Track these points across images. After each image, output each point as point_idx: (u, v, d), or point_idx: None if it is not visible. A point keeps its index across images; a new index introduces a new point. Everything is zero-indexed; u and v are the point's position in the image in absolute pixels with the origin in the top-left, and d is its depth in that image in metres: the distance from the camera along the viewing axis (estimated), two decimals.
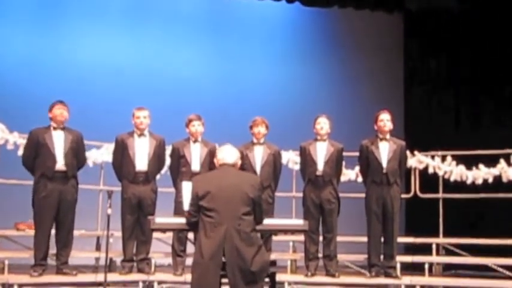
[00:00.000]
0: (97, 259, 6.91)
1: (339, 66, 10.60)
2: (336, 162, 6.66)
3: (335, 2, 10.41)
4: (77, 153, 6.29)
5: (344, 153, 6.81)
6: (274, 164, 6.69)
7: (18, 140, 7.07)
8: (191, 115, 6.62)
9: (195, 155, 6.53)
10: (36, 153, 6.15)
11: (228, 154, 4.68)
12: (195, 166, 6.49)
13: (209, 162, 6.47)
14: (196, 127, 6.56)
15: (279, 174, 6.80)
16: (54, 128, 6.20)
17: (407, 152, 7.29)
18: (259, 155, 6.59)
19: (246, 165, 6.40)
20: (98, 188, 7.56)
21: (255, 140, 6.68)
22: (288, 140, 7.68)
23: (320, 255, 6.72)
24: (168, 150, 6.80)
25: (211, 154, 6.46)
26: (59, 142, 6.16)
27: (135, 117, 6.50)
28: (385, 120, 6.63)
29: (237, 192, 4.44)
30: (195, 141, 6.58)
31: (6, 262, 6.45)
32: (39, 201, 6.09)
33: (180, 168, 6.54)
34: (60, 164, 6.13)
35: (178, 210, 6.14)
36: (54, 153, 6.12)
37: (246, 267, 4.30)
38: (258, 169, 6.51)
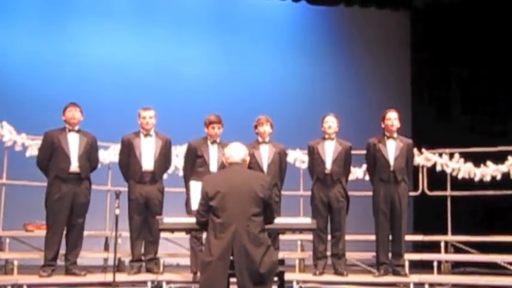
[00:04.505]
0: (105, 259, 6.93)
1: (346, 64, 10.59)
2: (344, 160, 6.65)
3: (341, 0, 10.39)
4: (90, 156, 6.34)
5: (351, 152, 6.79)
6: (280, 163, 6.66)
7: (26, 142, 7.11)
8: (212, 116, 6.44)
9: (213, 156, 6.39)
10: (51, 154, 6.20)
11: (235, 152, 4.65)
12: (213, 167, 6.35)
13: None
14: (217, 130, 6.42)
15: (284, 172, 6.76)
16: (69, 130, 6.26)
17: (415, 150, 7.28)
18: (265, 154, 6.57)
19: (252, 164, 6.38)
20: (106, 189, 7.58)
21: (260, 139, 6.64)
22: (295, 139, 7.69)
23: (328, 253, 6.72)
24: (175, 149, 6.76)
25: None
26: (73, 144, 6.23)
27: (141, 117, 6.51)
28: (393, 118, 6.63)
29: (247, 193, 4.42)
30: (213, 142, 6.45)
31: (16, 263, 6.51)
32: (53, 202, 6.14)
33: (195, 168, 6.40)
34: (74, 166, 6.18)
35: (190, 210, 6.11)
36: (69, 155, 6.17)
37: (255, 268, 4.29)
38: (265, 168, 6.49)
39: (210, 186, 4.48)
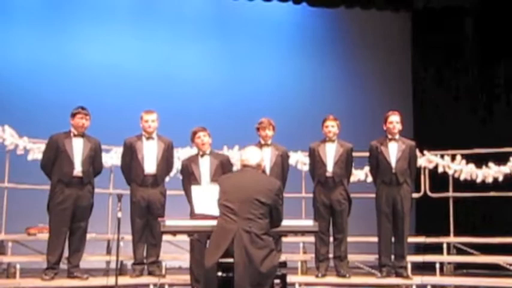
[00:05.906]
0: (108, 262, 6.93)
1: (347, 66, 10.59)
2: (345, 162, 6.64)
3: (342, 2, 10.39)
4: (94, 161, 6.35)
5: (353, 154, 6.79)
6: (282, 165, 6.64)
7: (28, 145, 7.10)
8: (195, 128, 6.38)
9: (204, 170, 6.29)
10: (55, 158, 6.22)
11: (252, 155, 4.77)
12: (205, 182, 6.18)
13: (221, 174, 5.98)
14: (202, 138, 6.31)
15: (286, 175, 6.72)
16: (75, 135, 6.27)
17: (417, 151, 7.27)
18: (267, 157, 6.52)
19: None
20: (108, 192, 7.57)
21: (262, 142, 6.60)
22: (296, 141, 7.67)
23: (331, 256, 6.71)
24: (177, 152, 6.74)
25: (223, 165, 6.31)
26: (77, 149, 6.24)
27: (143, 120, 6.51)
28: (395, 122, 6.62)
29: (253, 195, 4.49)
30: (203, 154, 6.35)
31: (18, 266, 6.49)
32: (56, 205, 6.15)
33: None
34: (78, 171, 6.19)
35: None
36: (73, 159, 6.18)
37: (254, 269, 4.32)
38: (267, 170, 6.45)
39: (223, 185, 4.64)
